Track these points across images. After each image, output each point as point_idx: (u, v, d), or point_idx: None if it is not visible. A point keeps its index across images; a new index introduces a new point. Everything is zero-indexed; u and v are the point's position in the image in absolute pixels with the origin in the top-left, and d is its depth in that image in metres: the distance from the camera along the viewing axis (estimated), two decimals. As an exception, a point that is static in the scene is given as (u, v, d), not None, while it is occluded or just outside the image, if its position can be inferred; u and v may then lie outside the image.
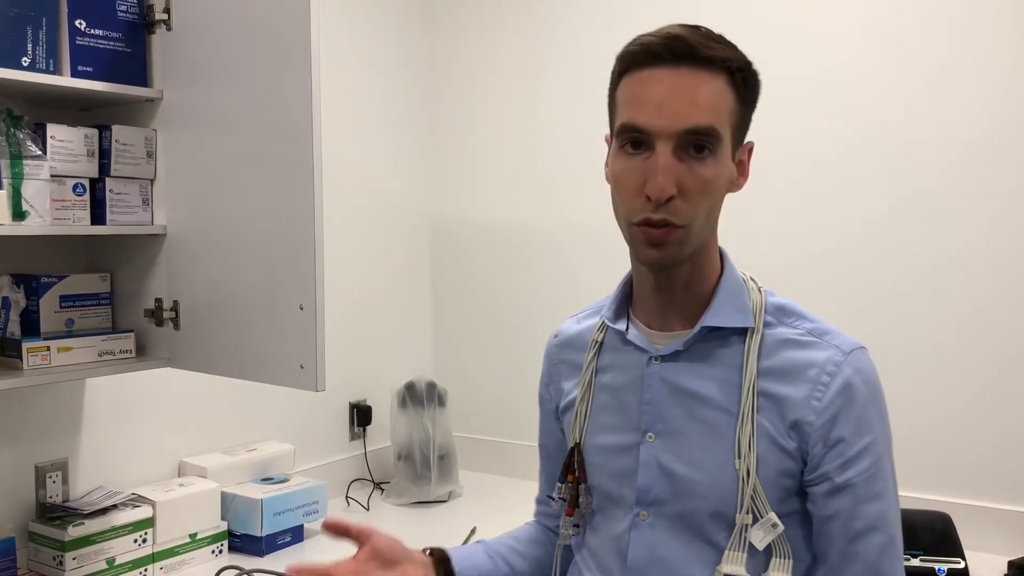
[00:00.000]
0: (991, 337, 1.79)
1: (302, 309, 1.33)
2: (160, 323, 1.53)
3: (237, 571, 1.67)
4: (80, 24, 1.42)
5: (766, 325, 0.98)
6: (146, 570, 1.64)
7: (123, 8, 1.48)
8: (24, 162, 1.35)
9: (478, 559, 1.11)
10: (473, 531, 1.90)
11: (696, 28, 0.93)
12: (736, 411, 0.95)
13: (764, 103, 0.98)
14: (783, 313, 0.99)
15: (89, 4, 1.44)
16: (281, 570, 1.65)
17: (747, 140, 0.98)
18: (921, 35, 1.83)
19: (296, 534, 1.85)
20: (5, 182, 1.33)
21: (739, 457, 0.93)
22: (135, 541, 1.62)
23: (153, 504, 1.65)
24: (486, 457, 2.39)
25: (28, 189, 1.35)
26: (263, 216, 1.38)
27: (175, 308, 1.52)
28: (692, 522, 0.96)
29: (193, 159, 1.48)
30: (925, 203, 1.84)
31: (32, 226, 1.36)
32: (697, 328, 0.97)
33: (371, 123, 2.34)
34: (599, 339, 1.07)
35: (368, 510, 2.11)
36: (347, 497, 2.17)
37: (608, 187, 0.97)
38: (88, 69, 1.43)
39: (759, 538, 0.93)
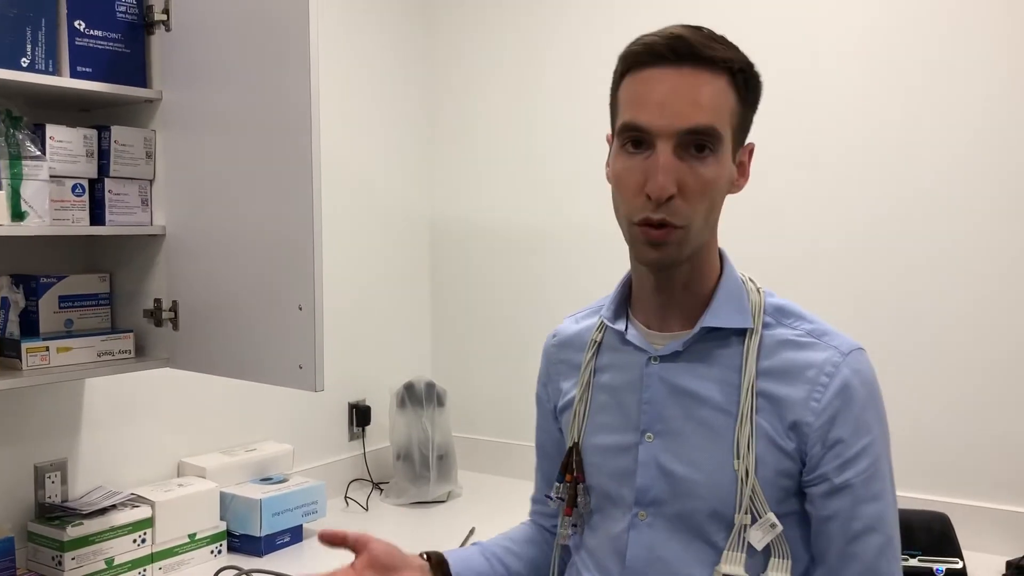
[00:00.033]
0: (989, 337, 1.80)
1: (301, 309, 1.34)
2: (159, 323, 1.53)
3: (236, 571, 1.67)
4: (79, 25, 1.42)
5: (765, 326, 0.98)
6: (145, 570, 1.64)
7: (122, 9, 1.49)
8: (23, 162, 1.35)
9: (474, 561, 1.11)
10: (472, 531, 1.90)
11: (698, 29, 0.93)
12: (735, 412, 0.95)
13: (764, 103, 0.98)
14: (782, 314, 0.99)
15: (88, 5, 1.44)
16: (280, 570, 1.66)
17: (748, 141, 0.99)
18: (921, 35, 1.84)
19: (295, 534, 1.85)
20: (4, 183, 1.33)
21: (738, 458, 0.94)
22: (134, 541, 1.62)
23: (152, 504, 1.65)
24: (485, 457, 2.39)
25: (27, 190, 1.35)
26: (262, 216, 1.38)
27: (174, 308, 1.52)
28: (691, 522, 0.96)
29: (192, 160, 1.48)
30: (925, 203, 1.84)
31: (31, 226, 1.36)
32: (697, 329, 0.97)
33: (370, 123, 2.34)
34: (598, 339, 1.07)
35: (367, 510, 2.11)
36: (346, 497, 2.17)
37: (607, 187, 0.98)
38: (87, 70, 1.43)
39: (758, 538, 0.93)
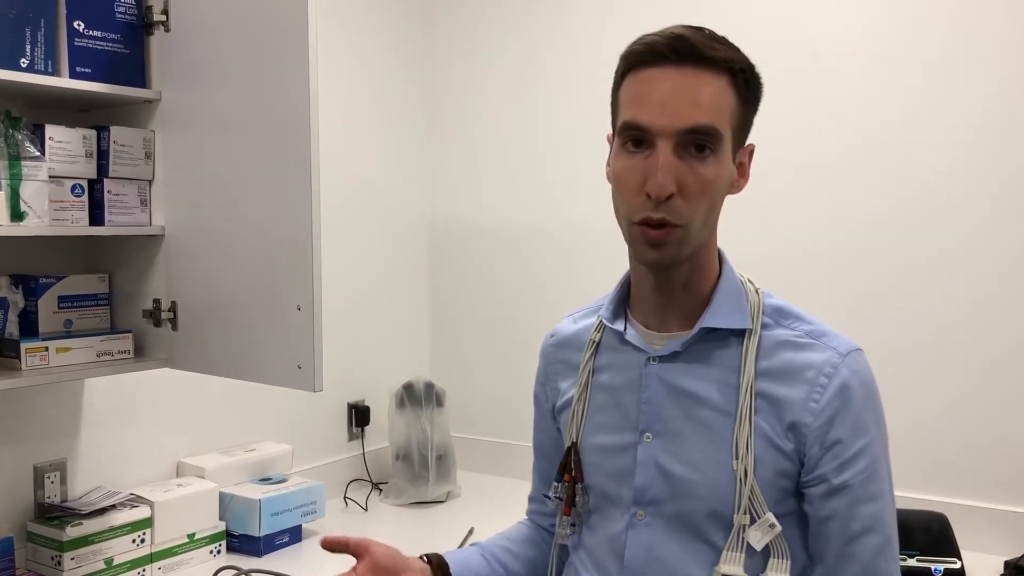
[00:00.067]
0: (989, 337, 1.80)
1: (300, 310, 1.34)
2: (158, 324, 1.54)
3: (235, 571, 1.67)
4: (78, 25, 1.42)
5: (764, 327, 0.98)
6: (144, 570, 1.64)
7: (121, 9, 1.49)
8: (22, 163, 1.35)
9: (474, 562, 1.11)
10: (471, 531, 1.91)
11: (700, 29, 0.93)
12: (734, 412, 0.95)
13: (764, 102, 0.98)
14: (780, 315, 1.00)
15: (87, 5, 1.44)
16: (279, 570, 1.66)
17: (748, 142, 0.99)
18: (921, 35, 1.84)
19: (294, 534, 1.85)
20: (4, 183, 1.33)
21: (736, 458, 0.94)
22: (133, 541, 1.62)
23: (151, 504, 1.65)
24: (484, 457, 2.39)
25: (26, 190, 1.36)
26: (261, 217, 1.38)
27: (173, 309, 1.52)
28: (689, 522, 0.96)
29: (191, 160, 1.48)
30: (925, 203, 1.84)
31: (30, 227, 1.36)
32: (696, 329, 0.97)
33: (369, 123, 2.34)
34: (596, 339, 1.07)
35: (366, 510, 2.11)
36: (345, 497, 2.17)
37: (606, 187, 0.98)
38: (86, 70, 1.43)
39: (757, 538, 0.93)
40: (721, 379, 0.97)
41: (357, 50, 2.29)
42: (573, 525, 1.06)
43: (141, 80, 1.51)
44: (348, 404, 2.28)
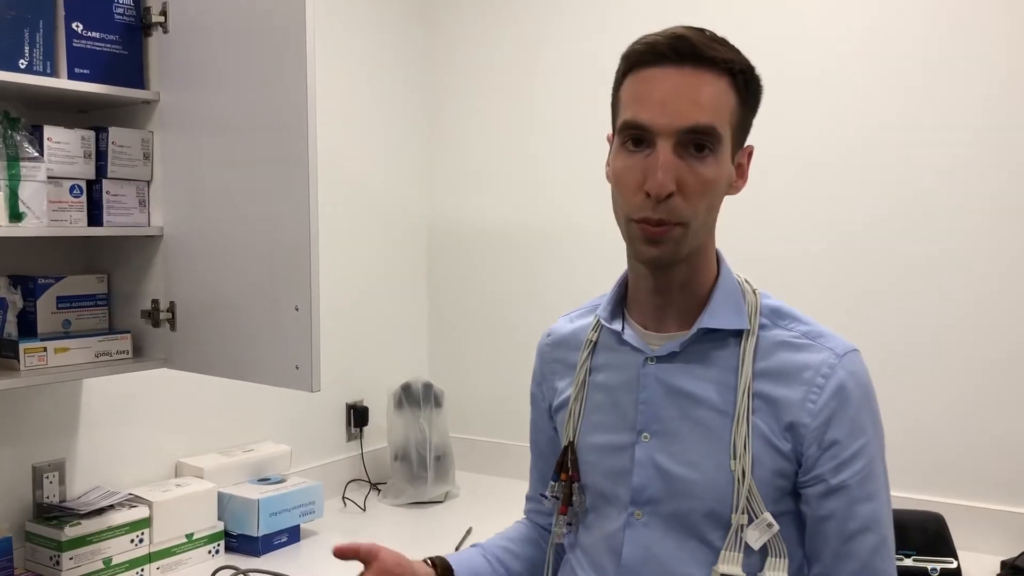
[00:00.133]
0: (989, 337, 1.80)
1: (297, 310, 1.34)
2: (157, 324, 1.54)
3: (233, 571, 1.67)
4: (77, 27, 1.42)
5: (761, 327, 0.98)
6: (143, 570, 1.64)
7: (120, 11, 1.49)
8: (21, 164, 1.35)
9: (476, 563, 1.12)
10: (469, 532, 1.91)
11: (701, 30, 0.93)
12: (731, 412, 0.95)
13: (764, 102, 0.98)
14: (777, 315, 1.00)
15: (86, 7, 1.44)
16: (277, 570, 1.66)
17: (747, 144, 0.99)
18: (921, 35, 1.84)
19: (292, 534, 1.86)
20: (2, 184, 1.33)
21: (734, 458, 0.94)
22: (132, 541, 1.62)
23: (150, 504, 1.65)
24: (482, 458, 2.39)
25: (25, 191, 1.36)
26: (259, 217, 1.38)
27: (171, 309, 1.52)
28: (687, 522, 0.96)
29: (190, 161, 1.48)
30: (925, 203, 1.85)
31: (29, 227, 1.36)
32: (694, 329, 0.97)
33: (369, 124, 2.34)
34: (593, 339, 1.07)
35: (365, 511, 2.11)
36: (344, 498, 2.17)
37: (605, 187, 0.98)
38: (85, 71, 1.43)
39: (755, 538, 0.93)
40: (719, 379, 0.97)
41: (357, 50, 2.29)
42: (569, 524, 1.07)
43: (139, 81, 1.52)
44: (347, 404, 2.29)
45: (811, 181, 1.96)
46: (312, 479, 1.95)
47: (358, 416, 2.28)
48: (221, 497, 1.80)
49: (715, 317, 0.98)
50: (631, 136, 0.92)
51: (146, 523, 1.64)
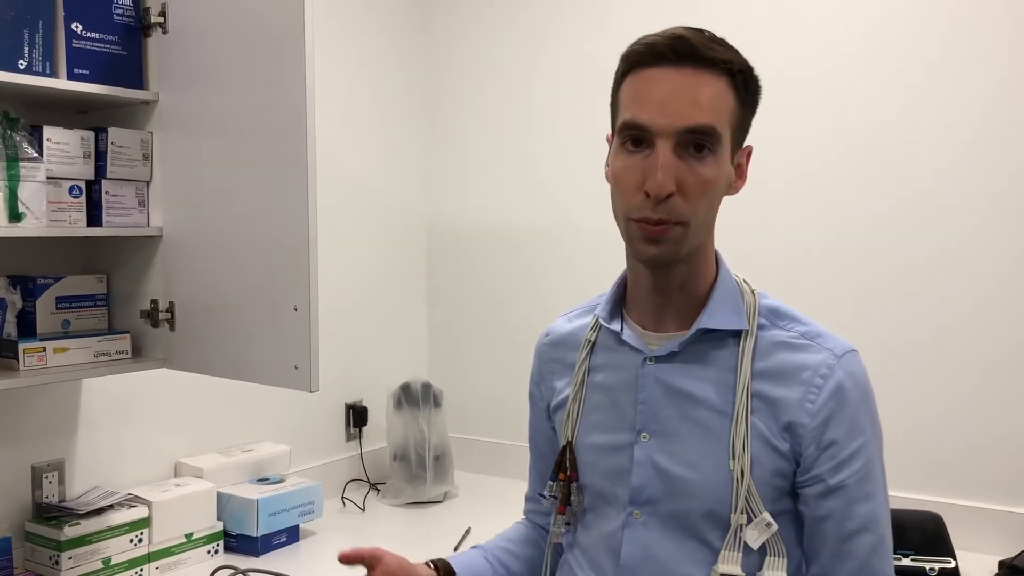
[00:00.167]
0: (989, 337, 1.80)
1: (296, 310, 1.34)
2: (156, 324, 1.54)
3: (232, 571, 1.67)
4: (76, 27, 1.42)
5: (760, 327, 0.98)
6: (142, 570, 1.64)
7: (119, 11, 1.49)
8: (20, 164, 1.35)
9: (477, 564, 1.12)
10: (468, 532, 1.91)
11: (700, 31, 0.94)
12: (730, 412, 0.95)
13: (764, 102, 0.99)
14: (776, 315, 1.00)
15: (85, 7, 1.44)
16: (276, 570, 1.66)
17: (746, 144, 0.99)
18: (921, 35, 1.84)
19: (292, 534, 1.86)
20: (1, 184, 1.33)
21: (733, 458, 0.94)
22: (131, 541, 1.62)
23: (149, 504, 1.65)
24: (481, 458, 2.39)
25: (24, 191, 1.36)
26: (258, 217, 1.38)
27: (171, 309, 1.52)
28: (686, 522, 0.97)
29: (189, 161, 1.48)
30: (925, 203, 1.85)
31: (28, 228, 1.37)
32: (693, 329, 0.98)
33: (368, 124, 2.34)
34: (592, 338, 1.07)
35: (364, 511, 2.11)
36: (343, 498, 2.17)
37: (605, 188, 0.98)
38: (84, 72, 1.43)
39: (754, 538, 0.94)
40: (718, 379, 0.97)
41: (357, 50, 2.29)
42: (568, 524, 1.07)
43: (139, 82, 1.52)
44: (346, 404, 2.29)
45: (811, 181, 1.96)
46: (311, 479, 1.95)
47: (357, 416, 2.28)
48: (220, 497, 1.80)
49: (714, 317, 0.98)
50: (631, 136, 0.93)
51: (145, 523, 1.64)
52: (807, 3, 1.96)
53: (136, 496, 1.68)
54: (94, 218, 1.48)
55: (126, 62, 1.50)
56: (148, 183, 1.54)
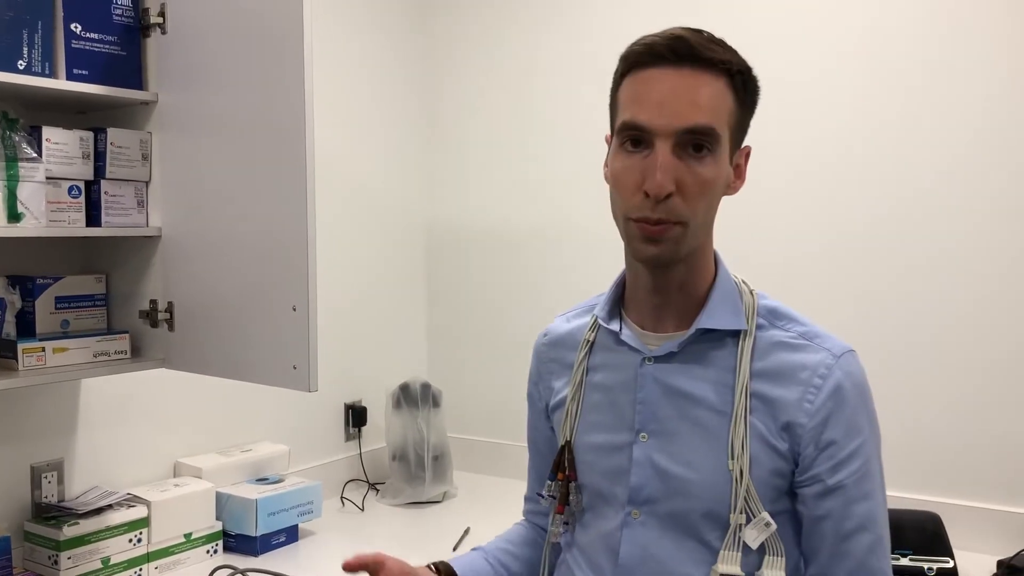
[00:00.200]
0: (989, 337, 1.80)
1: (295, 310, 1.34)
2: (155, 324, 1.54)
3: (232, 571, 1.67)
4: (75, 28, 1.42)
5: (758, 327, 0.99)
6: (141, 570, 1.64)
7: (118, 12, 1.49)
8: (20, 164, 1.35)
9: (478, 565, 1.12)
10: (467, 532, 1.91)
11: (699, 31, 0.94)
12: (729, 412, 0.95)
13: (763, 103, 0.99)
14: (774, 316, 1.00)
15: (84, 8, 1.44)
16: (276, 570, 1.66)
17: (744, 144, 0.99)
18: (921, 35, 1.84)
19: (291, 534, 1.86)
20: (1, 184, 1.33)
21: (732, 458, 0.94)
22: (130, 541, 1.62)
23: (148, 504, 1.65)
24: (480, 458, 2.39)
25: (24, 191, 1.36)
26: (257, 218, 1.38)
27: (170, 309, 1.52)
28: (685, 521, 0.97)
29: (188, 162, 1.48)
30: (925, 203, 1.84)
31: (28, 228, 1.37)
32: (693, 330, 0.98)
33: (368, 124, 2.34)
34: (591, 338, 1.07)
35: (363, 511, 2.11)
36: (342, 498, 2.17)
37: (604, 188, 0.98)
38: (83, 72, 1.43)
39: (753, 537, 0.94)
40: (717, 379, 0.97)
41: (357, 50, 2.29)
42: (566, 523, 1.07)
43: (138, 82, 1.52)
44: (345, 404, 2.29)
45: (811, 181, 1.96)
46: (310, 479, 1.95)
47: (356, 416, 2.28)
48: (219, 497, 1.80)
49: (713, 317, 0.98)
50: (630, 137, 0.93)
51: (144, 523, 1.64)
52: (807, 3, 1.96)
53: (135, 496, 1.68)
54: (93, 218, 1.48)
55: (125, 62, 1.50)
56: (147, 183, 1.54)
